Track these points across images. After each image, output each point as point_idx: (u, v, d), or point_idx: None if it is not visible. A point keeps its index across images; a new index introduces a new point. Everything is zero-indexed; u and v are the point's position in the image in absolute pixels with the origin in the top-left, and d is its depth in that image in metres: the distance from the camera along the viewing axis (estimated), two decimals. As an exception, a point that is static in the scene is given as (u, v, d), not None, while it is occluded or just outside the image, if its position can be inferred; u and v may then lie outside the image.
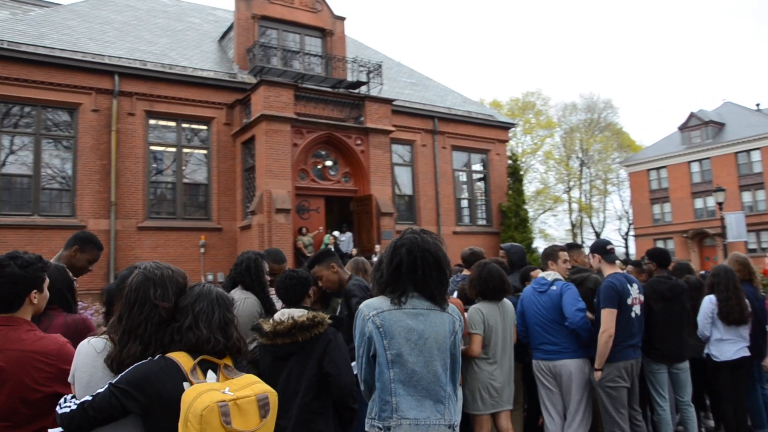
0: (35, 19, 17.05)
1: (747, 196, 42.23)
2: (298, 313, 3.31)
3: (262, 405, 2.04)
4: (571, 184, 51.13)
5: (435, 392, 2.68)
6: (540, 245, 31.15)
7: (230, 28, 19.88)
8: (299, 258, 15.81)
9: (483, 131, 23.12)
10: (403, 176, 21.01)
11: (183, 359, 2.11)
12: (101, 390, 2.03)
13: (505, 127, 24.48)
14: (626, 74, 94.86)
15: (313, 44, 20.36)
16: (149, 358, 2.11)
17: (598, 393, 4.95)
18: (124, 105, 16.44)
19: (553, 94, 64.19)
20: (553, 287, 5.01)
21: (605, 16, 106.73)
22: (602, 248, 5.25)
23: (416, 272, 2.71)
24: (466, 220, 22.74)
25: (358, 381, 2.92)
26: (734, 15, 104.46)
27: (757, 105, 47.46)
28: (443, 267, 2.79)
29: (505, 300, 4.82)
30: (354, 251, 16.44)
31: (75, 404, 2.04)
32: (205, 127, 17.75)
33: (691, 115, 46.24)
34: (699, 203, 45.05)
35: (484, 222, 23.08)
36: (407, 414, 2.63)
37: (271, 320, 3.36)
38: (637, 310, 5.07)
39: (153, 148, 17.03)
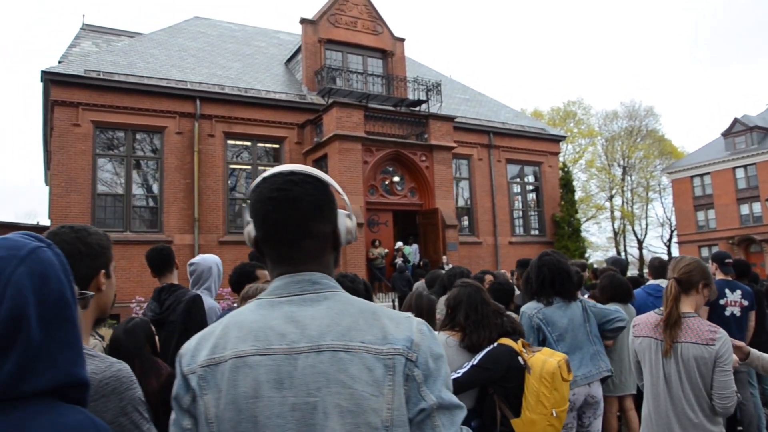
0: (122, 50, 18.37)
1: (794, 202, 41.98)
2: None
3: (567, 364, 3.14)
4: (614, 192, 51.31)
5: (588, 352, 4.02)
6: (588, 254, 31.53)
7: (297, 51, 21.02)
8: (371, 269, 16.73)
9: (535, 144, 23.86)
10: (462, 189, 21.85)
11: (510, 342, 3.16)
12: (465, 369, 3.06)
13: (556, 139, 25.21)
14: (668, 81, 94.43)
15: (375, 65, 21.38)
16: (492, 344, 3.15)
17: None
18: (205, 127, 17.61)
19: (594, 103, 64.91)
20: None
21: (646, 24, 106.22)
22: (721, 260, 6.17)
23: (555, 283, 4.02)
24: (520, 230, 23.45)
25: None
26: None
27: (803, 110, 47.20)
28: (572, 276, 4.15)
29: (629, 305, 5.66)
30: (422, 263, 17.29)
31: None
32: (277, 146, 18.86)
33: (735, 121, 46.15)
34: (745, 209, 44.88)
35: (537, 232, 23.77)
36: (577, 372, 3.82)
37: None
38: (735, 311, 5.91)
39: (231, 166, 18.20)
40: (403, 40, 21.97)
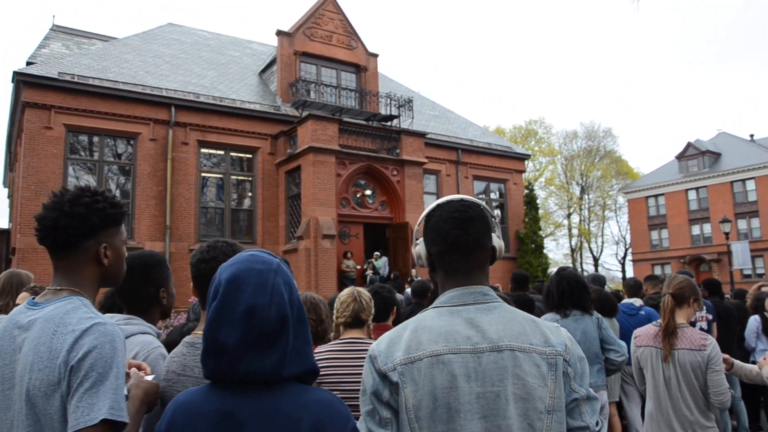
0: (96, 53, 18.27)
1: (742, 224, 43.81)
2: None
3: None
4: (572, 210, 52.62)
5: (596, 365, 4.42)
6: (550, 271, 32.26)
7: (272, 63, 21.19)
8: (343, 280, 16.94)
9: (502, 162, 24.48)
10: (429, 204, 22.25)
11: None
12: None
13: (522, 158, 25.89)
14: (626, 104, 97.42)
15: (348, 79, 21.70)
16: None
17: None
18: (179, 135, 17.62)
19: (555, 122, 66.97)
20: (642, 312, 6.32)
21: (609, 48, 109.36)
22: None
23: (573, 295, 4.40)
24: (485, 245, 23.89)
25: None
26: (729, 49, 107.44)
27: (751, 135, 49.29)
28: (588, 290, 4.53)
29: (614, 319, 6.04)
30: (392, 275, 17.61)
31: None
32: (250, 156, 18.96)
33: (689, 145, 47.95)
34: (696, 230, 46.62)
35: (501, 247, 24.26)
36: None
37: None
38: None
39: (204, 175, 18.23)
40: (376, 55, 22.35)
